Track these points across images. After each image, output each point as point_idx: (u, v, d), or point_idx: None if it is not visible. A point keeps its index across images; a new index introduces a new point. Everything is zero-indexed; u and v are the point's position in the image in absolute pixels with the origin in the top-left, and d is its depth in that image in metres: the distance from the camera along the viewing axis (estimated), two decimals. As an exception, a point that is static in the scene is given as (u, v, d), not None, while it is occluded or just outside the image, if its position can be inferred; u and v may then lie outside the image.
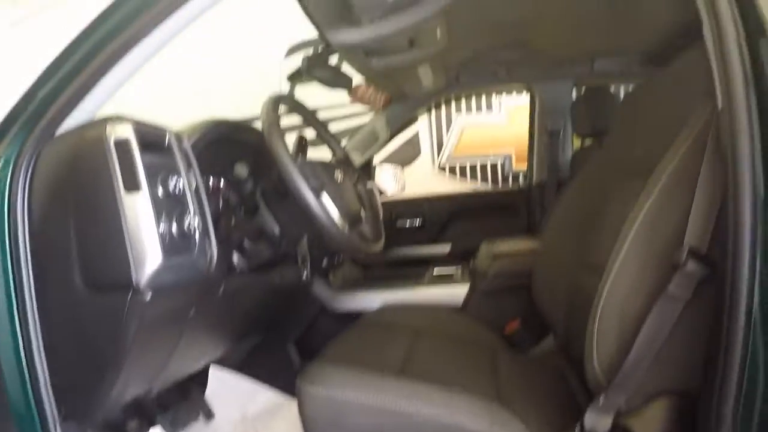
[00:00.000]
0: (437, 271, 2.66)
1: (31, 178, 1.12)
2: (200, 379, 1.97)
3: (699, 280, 0.96)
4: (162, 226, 1.05)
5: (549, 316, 1.71)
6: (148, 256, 1.03)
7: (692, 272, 0.96)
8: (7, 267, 1.11)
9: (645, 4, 1.72)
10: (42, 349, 1.13)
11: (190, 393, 1.93)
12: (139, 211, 1.03)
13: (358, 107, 2.78)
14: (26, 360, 1.13)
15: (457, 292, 2.33)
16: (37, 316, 1.12)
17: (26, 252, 1.12)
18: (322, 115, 1.99)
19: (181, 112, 1.70)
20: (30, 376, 1.13)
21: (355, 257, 2.53)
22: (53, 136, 1.15)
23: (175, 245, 1.08)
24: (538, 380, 1.54)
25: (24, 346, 1.12)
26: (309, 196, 1.35)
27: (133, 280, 1.02)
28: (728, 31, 0.91)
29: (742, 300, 0.87)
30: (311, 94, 2.12)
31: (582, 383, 1.15)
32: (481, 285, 2.27)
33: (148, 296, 1.04)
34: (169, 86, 4.28)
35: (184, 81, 4.59)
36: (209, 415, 1.96)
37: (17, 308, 1.11)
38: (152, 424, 1.68)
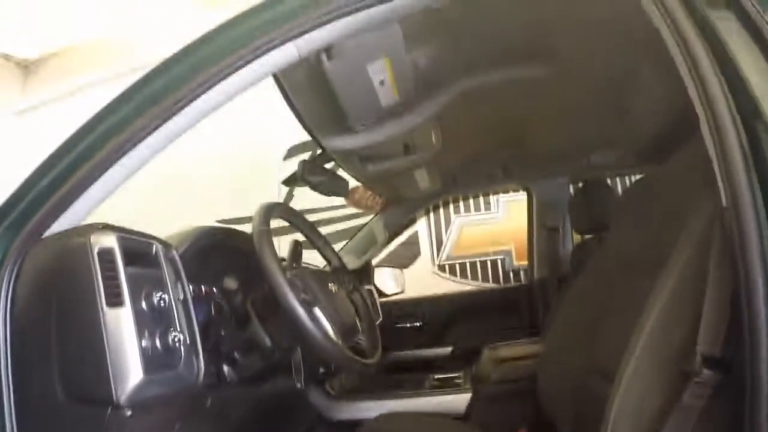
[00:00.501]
0: (438, 376, 2.57)
1: (15, 281, 1.09)
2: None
3: (714, 387, 0.91)
4: (145, 340, 1.01)
5: (556, 421, 1.63)
6: (129, 372, 0.98)
7: (707, 380, 0.90)
8: None
9: (638, 99, 1.73)
10: None
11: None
12: (121, 326, 1.00)
13: (355, 210, 2.78)
14: None
15: (459, 399, 2.24)
16: (15, 424, 1.06)
17: (6, 357, 1.07)
18: (319, 216, 1.97)
19: (178, 212, 1.68)
20: None
21: (350, 372, 2.45)
22: (40, 238, 1.12)
23: (158, 360, 1.04)
24: None
25: None
26: (299, 311, 1.30)
27: (113, 396, 0.98)
28: (727, 127, 0.89)
29: (763, 402, 0.81)
30: (309, 195, 2.12)
31: None
32: (484, 392, 2.18)
33: (129, 412, 1.00)
34: (167, 185, 4.29)
35: (183, 179, 4.60)
36: None
37: None
38: None
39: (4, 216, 1.15)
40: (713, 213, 0.96)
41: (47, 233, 1.13)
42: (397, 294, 2.91)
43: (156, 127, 1.13)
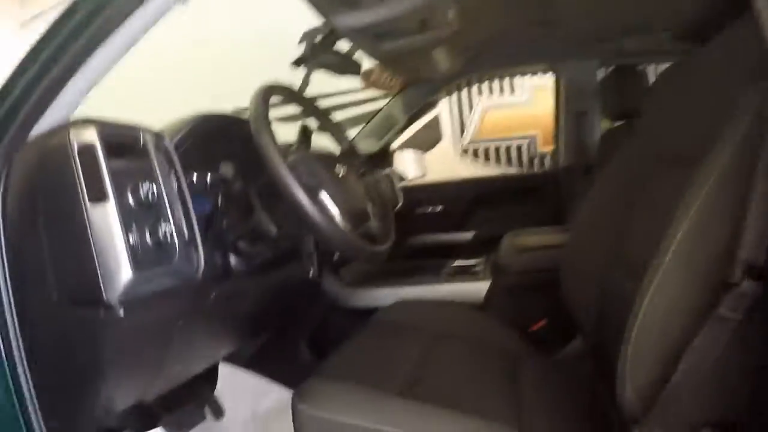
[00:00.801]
0: (458, 263, 2.55)
1: (4, 189, 1.06)
2: (210, 376, 1.93)
3: (754, 299, 0.84)
4: (134, 236, 0.98)
5: (578, 316, 1.59)
6: (118, 270, 0.95)
7: (747, 291, 0.83)
8: None
9: None
10: (25, 360, 1.08)
11: (198, 392, 1.88)
12: (106, 223, 0.96)
13: (373, 92, 2.68)
14: (9, 371, 1.07)
15: (477, 288, 2.22)
16: (17, 328, 1.07)
17: (3, 264, 1.06)
18: (333, 102, 1.90)
19: (185, 104, 1.61)
20: (14, 389, 1.08)
21: (359, 259, 2.44)
22: (25, 142, 1.07)
23: (150, 256, 1.01)
24: (564, 396, 1.42)
25: (6, 357, 1.07)
26: (300, 196, 1.23)
27: (103, 296, 0.96)
28: None
29: None
30: (325, 80, 2.03)
31: (612, 395, 1.04)
32: (504, 281, 2.16)
33: (121, 311, 0.98)
34: (173, 76, 4.16)
35: (189, 68, 4.45)
36: (219, 413, 1.91)
37: None
38: (153, 426, 1.63)
39: None
40: (764, 99, 0.87)
41: (32, 135, 1.07)
42: (418, 178, 2.86)
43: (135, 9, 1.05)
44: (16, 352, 1.07)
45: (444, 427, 1.17)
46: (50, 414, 1.12)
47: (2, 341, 1.07)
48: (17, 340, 1.07)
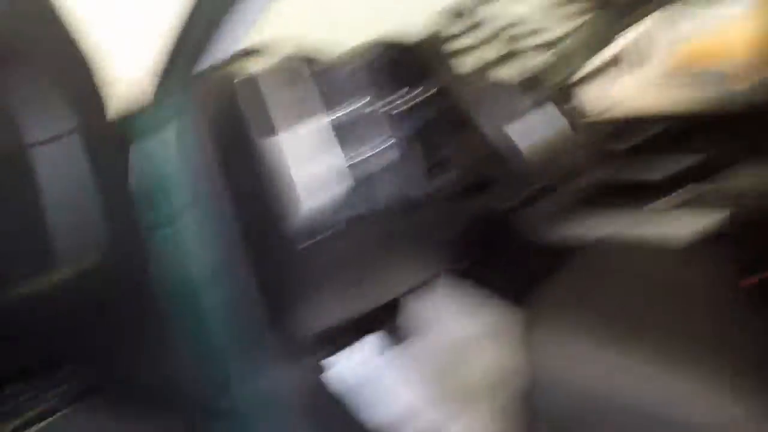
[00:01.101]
0: (658, 203, 2.39)
1: (191, 123, 1.07)
2: (416, 297, 1.99)
3: None
4: (315, 165, 0.99)
5: None
6: (300, 199, 0.97)
7: None
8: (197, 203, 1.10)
9: None
10: (231, 281, 1.14)
11: (403, 311, 1.95)
12: (285, 153, 0.97)
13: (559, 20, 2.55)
14: (217, 291, 1.13)
15: (680, 229, 2.07)
16: (224, 253, 1.11)
17: (205, 191, 1.10)
18: (516, 31, 1.83)
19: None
20: (228, 301, 1.14)
21: (548, 194, 2.34)
22: (203, 75, 1.07)
23: (332, 184, 1.01)
24: None
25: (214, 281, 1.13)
26: (487, 125, 1.21)
27: (287, 224, 0.98)
28: None
29: None
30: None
31: None
32: (733, 213, 1.99)
33: (306, 241, 1.00)
34: None
35: None
36: (424, 333, 1.98)
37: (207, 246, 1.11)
38: (351, 345, 1.72)
39: (170, 62, 1.12)
40: None
41: (208, 67, 1.08)
42: (606, 111, 2.71)
43: None
44: (227, 276, 1.12)
45: (667, 391, 1.12)
46: (263, 326, 1.17)
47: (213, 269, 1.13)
48: (227, 265, 1.12)
